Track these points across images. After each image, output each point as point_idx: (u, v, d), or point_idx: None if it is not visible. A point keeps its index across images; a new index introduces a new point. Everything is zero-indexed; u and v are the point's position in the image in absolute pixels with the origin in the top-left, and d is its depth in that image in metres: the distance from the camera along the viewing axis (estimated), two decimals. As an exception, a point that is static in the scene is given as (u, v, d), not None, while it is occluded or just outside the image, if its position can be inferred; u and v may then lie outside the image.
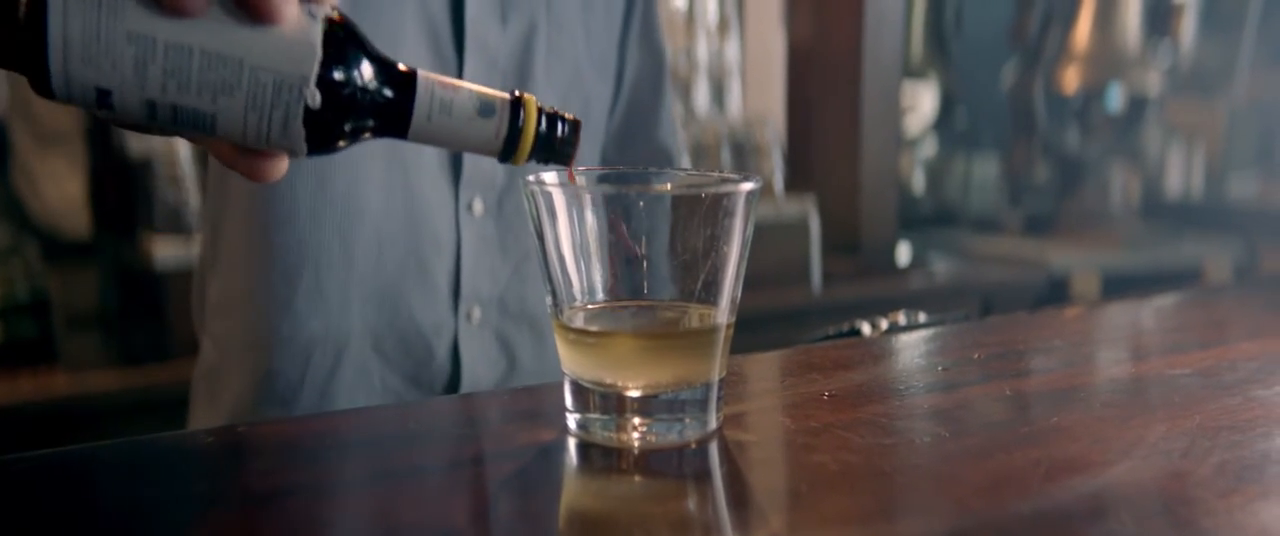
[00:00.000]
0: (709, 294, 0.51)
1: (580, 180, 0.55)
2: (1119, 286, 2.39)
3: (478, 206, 0.84)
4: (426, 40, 0.81)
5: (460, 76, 0.81)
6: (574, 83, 0.89)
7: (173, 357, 1.57)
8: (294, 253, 0.79)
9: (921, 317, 0.88)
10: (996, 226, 2.75)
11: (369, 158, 0.80)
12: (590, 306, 0.51)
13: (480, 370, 0.86)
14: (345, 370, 0.81)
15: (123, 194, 1.72)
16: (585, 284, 0.50)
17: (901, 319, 0.86)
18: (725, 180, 0.51)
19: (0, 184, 2.04)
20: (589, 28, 0.90)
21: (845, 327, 0.84)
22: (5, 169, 2.03)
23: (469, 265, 0.84)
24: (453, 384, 0.86)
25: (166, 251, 1.59)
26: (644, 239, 0.49)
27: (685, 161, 1.07)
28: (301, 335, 0.80)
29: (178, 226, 1.65)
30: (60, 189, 1.99)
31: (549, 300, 0.52)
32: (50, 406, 1.52)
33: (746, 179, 0.50)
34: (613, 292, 0.50)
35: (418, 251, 0.82)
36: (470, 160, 0.84)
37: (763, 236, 1.95)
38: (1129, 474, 0.48)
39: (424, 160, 0.82)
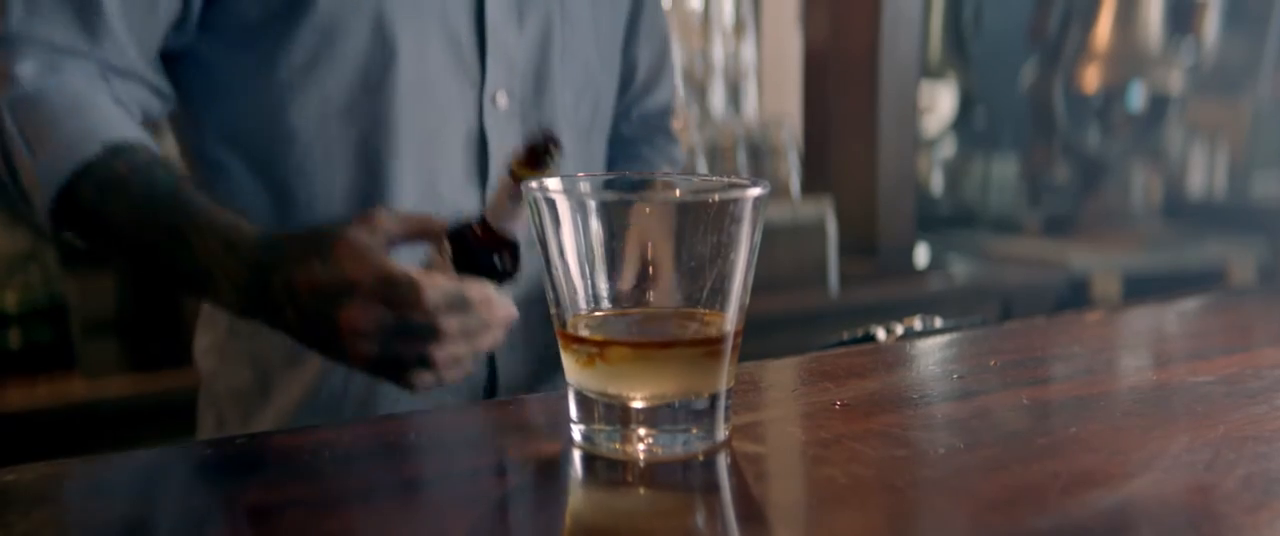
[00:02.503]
0: (716, 302, 0.49)
1: (583, 186, 0.54)
2: (1140, 288, 2.36)
3: None
4: (449, 49, 0.82)
5: (483, 80, 0.84)
6: (587, 81, 0.90)
7: (189, 363, 1.57)
8: None
9: (937, 323, 0.86)
10: (1016, 227, 2.72)
11: (398, 165, 0.80)
12: (594, 315, 0.50)
13: (514, 372, 0.86)
14: None
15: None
16: (589, 292, 0.49)
17: (917, 324, 0.85)
18: (732, 185, 0.50)
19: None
20: (598, 26, 0.91)
21: (860, 333, 0.82)
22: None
23: None
24: (489, 387, 0.86)
25: (181, 257, 1.58)
26: (649, 246, 0.48)
27: (702, 164, 1.09)
28: None
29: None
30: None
31: (552, 309, 0.51)
32: (67, 411, 1.52)
33: (754, 184, 0.49)
34: (617, 301, 0.49)
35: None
36: (495, 166, 0.84)
37: (779, 239, 1.94)
38: (1151, 487, 0.46)
39: (451, 166, 0.83)
